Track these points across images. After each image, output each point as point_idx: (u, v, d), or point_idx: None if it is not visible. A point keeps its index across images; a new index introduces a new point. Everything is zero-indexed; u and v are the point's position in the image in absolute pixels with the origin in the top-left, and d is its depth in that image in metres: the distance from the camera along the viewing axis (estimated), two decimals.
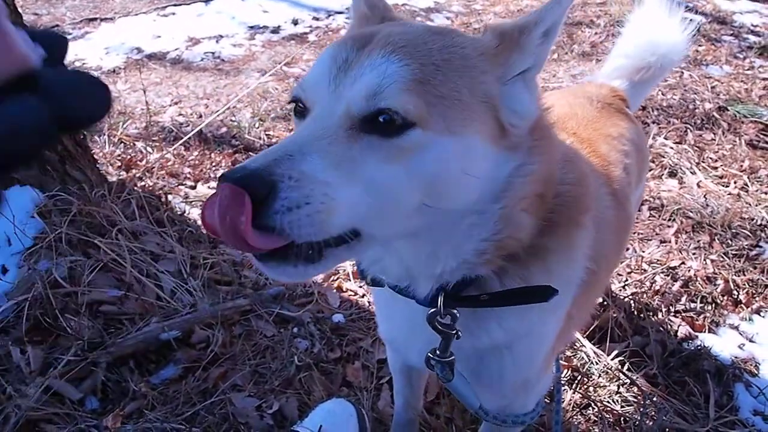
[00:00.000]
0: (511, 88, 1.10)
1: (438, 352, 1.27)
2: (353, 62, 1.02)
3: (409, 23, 1.25)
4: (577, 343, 2.61)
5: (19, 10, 2.82)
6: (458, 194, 1.06)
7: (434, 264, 1.17)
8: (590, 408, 2.36)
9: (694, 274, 3.10)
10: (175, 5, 7.48)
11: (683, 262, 3.19)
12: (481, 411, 1.47)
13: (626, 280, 3.05)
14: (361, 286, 2.92)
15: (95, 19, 7.05)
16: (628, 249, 3.29)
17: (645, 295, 2.95)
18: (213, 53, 6.22)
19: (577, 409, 2.35)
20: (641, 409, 2.33)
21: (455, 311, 1.21)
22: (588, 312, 1.85)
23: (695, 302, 2.94)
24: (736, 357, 2.64)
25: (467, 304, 1.21)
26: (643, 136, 2.35)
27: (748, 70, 5.82)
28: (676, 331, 2.73)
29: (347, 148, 0.96)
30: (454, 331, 1.23)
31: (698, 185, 3.91)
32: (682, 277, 3.08)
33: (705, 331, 2.78)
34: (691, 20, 2.43)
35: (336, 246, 0.97)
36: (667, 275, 3.10)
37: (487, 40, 1.11)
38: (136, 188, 3.29)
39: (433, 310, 1.20)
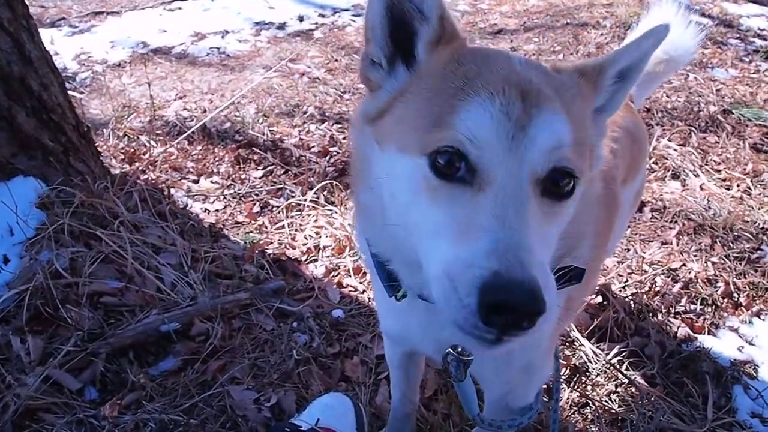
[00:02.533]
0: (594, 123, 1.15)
1: (459, 349, 1.23)
2: (526, 120, 0.96)
3: (512, 54, 1.16)
4: (576, 342, 2.61)
5: (26, 2, 2.82)
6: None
7: None
8: (588, 407, 2.36)
9: (695, 276, 3.09)
10: (181, 0, 7.49)
11: (684, 264, 3.19)
12: (478, 418, 1.47)
13: (627, 280, 3.05)
14: (361, 282, 2.92)
15: (101, 12, 7.06)
16: (629, 250, 3.29)
17: (645, 296, 2.94)
18: (218, 48, 6.22)
19: (575, 408, 2.36)
20: (639, 409, 2.33)
21: None
22: (586, 293, 1.86)
23: (695, 304, 2.94)
24: (735, 359, 2.63)
25: None
26: (643, 129, 2.35)
27: (753, 73, 5.81)
28: (676, 333, 2.73)
29: (541, 215, 0.97)
30: None
31: (701, 188, 3.90)
32: (683, 279, 3.07)
33: (704, 333, 2.77)
34: (702, 24, 2.44)
35: None
36: (668, 276, 3.10)
37: (573, 78, 1.11)
38: (138, 181, 3.30)
39: None
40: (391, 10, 1.09)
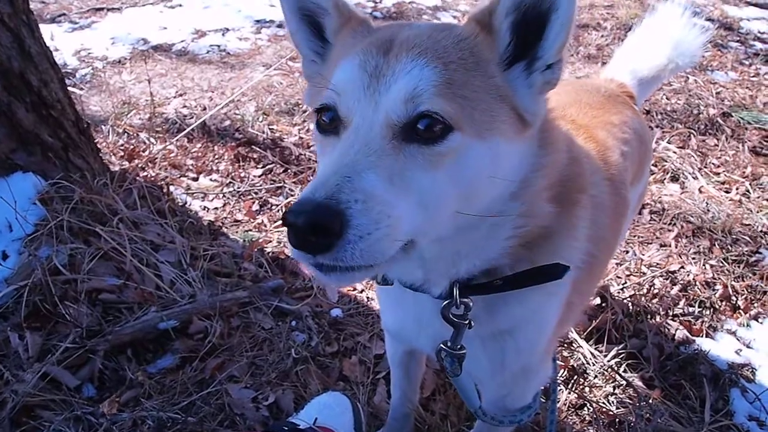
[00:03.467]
0: (512, 81, 1.09)
1: (449, 344, 1.28)
2: (383, 69, 1.02)
3: (413, 23, 1.24)
4: (574, 344, 2.62)
5: None
6: (484, 198, 1.06)
7: (456, 265, 1.18)
8: (585, 408, 2.37)
9: (693, 279, 3.10)
10: None
11: (683, 267, 3.19)
12: (480, 411, 1.47)
13: (625, 282, 3.05)
14: (359, 282, 2.92)
15: (102, 8, 7.05)
16: (627, 252, 3.30)
17: (643, 298, 2.95)
18: (219, 46, 6.21)
19: (573, 409, 2.36)
20: (636, 411, 2.33)
21: (469, 301, 1.22)
22: (589, 297, 1.86)
23: (693, 306, 2.95)
24: (732, 362, 2.64)
25: (482, 291, 1.22)
26: (647, 130, 2.36)
27: (753, 76, 5.82)
28: (674, 335, 2.74)
29: (394, 161, 0.96)
30: (466, 321, 1.24)
31: (700, 190, 3.90)
32: (681, 282, 3.08)
33: (702, 336, 2.78)
34: (706, 27, 2.44)
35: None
36: (666, 279, 3.10)
37: (472, 29, 1.09)
38: (138, 178, 3.30)
39: (447, 301, 1.21)
40: (301, 14, 1.24)
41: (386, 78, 1.00)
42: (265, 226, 3.31)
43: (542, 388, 1.71)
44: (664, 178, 4.02)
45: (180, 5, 7.28)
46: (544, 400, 2.20)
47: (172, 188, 3.42)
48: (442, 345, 1.29)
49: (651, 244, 3.40)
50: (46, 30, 3.14)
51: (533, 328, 1.39)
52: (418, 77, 0.98)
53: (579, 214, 1.30)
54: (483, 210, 1.07)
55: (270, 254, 3.03)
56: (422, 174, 0.97)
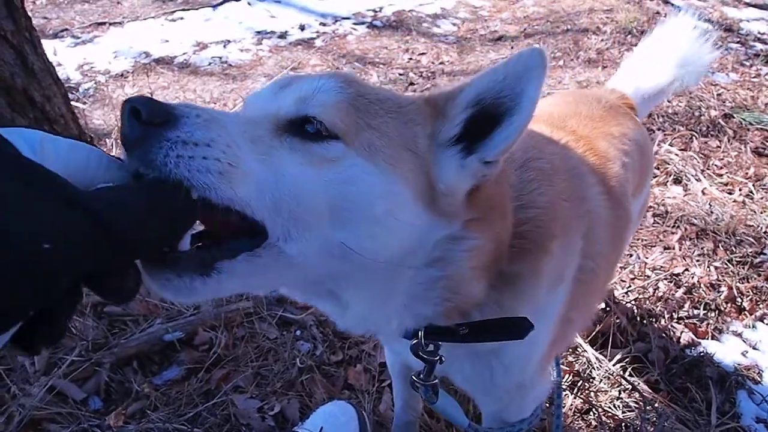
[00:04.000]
0: (442, 152, 1.04)
1: (422, 376, 1.25)
2: (294, 81, 1.03)
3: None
4: (578, 348, 2.61)
5: (29, 13, 2.85)
6: (376, 237, 0.95)
7: (388, 320, 1.13)
8: (591, 413, 2.36)
9: (698, 281, 3.09)
10: (183, 10, 7.53)
11: (687, 269, 3.19)
12: (471, 429, 1.47)
13: (629, 286, 3.05)
14: None
15: (104, 23, 7.10)
16: (631, 255, 3.29)
17: (648, 301, 2.94)
18: (220, 58, 6.25)
19: (578, 414, 2.35)
20: (642, 415, 2.32)
21: (438, 342, 1.19)
22: (591, 312, 1.84)
23: (698, 309, 2.94)
24: (738, 364, 2.63)
25: (447, 338, 1.16)
26: (649, 141, 2.35)
27: (754, 77, 5.82)
28: (679, 338, 2.73)
29: (269, 136, 0.91)
30: (437, 358, 1.20)
31: (703, 192, 3.90)
32: (686, 284, 3.07)
33: (708, 338, 2.77)
34: (714, 38, 2.43)
35: (231, 255, 0.83)
36: (671, 282, 3.10)
37: (419, 102, 1.07)
38: None
39: (414, 341, 1.17)
40: None
41: (293, 86, 1.00)
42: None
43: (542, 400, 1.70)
44: (667, 181, 4.02)
45: (181, 18, 7.34)
46: (548, 406, 2.20)
47: None
48: (413, 377, 1.27)
49: (655, 247, 3.40)
50: (48, 45, 3.17)
51: (520, 349, 1.36)
52: (318, 85, 0.97)
53: (547, 260, 1.24)
54: (385, 257, 0.97)
55: None
56: (293, 163, 0.89)
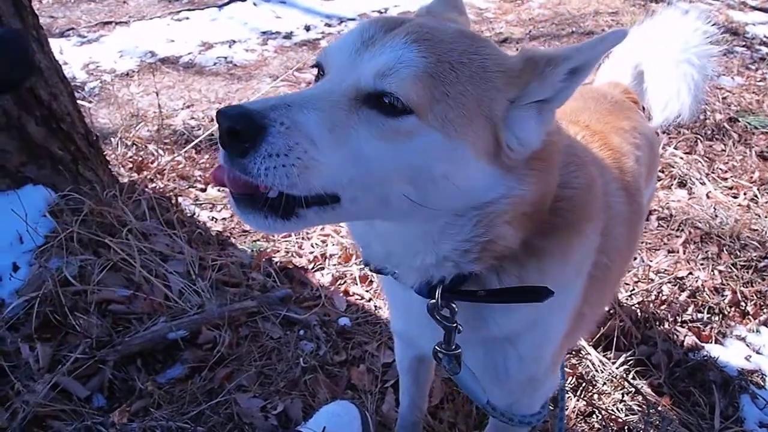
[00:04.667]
0: (521, 112, 1.09)
1: (444, 345, 1.29)
2: (377, 41, 1.05)
3: (447, 22, 1.24)
4: (582, 351, 2.61)
5: (36, 12, 2.86)
6: (437, 196, 1.06)
7: (413, 255, 1.18)
8: (594, 416, 2.36)
9: (702, 285, 3.09)
10: (188, 10, 7.54)
11: (691, 273, 3.18)
12: (489, 406, 1.47)
13: (633, 289, 3.05)
14: (367, 291, 2.93)
15: (110, 22, 7.12)
16: (635, 258, 3.29)
17: (652, 305, 2.94)
18: (225, 58, 6.26)
19: (581, 417, 2.35)
20: (645, 418, 2.32)
21: (454, 305, 1.23)
22: (603, 308, 1.84)
23: (702, 313, 2.94)
24: (742, 368, 2.63)
25: (463, 298, 1.22)
26: (654, 134, 2.36)
27: (760, 81, 5.80)
28: (683, 341, 2.73)
29: (346, 115, 0.99)
30: (454, 324, 1.24)
31: (707, 196, 3.90)
32: (690, 288, 3.07)
33: (711, 342, 2.77)
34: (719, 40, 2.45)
35: (309, 207, 0.99)
36: (675, 285, 3.10)
37: (513, 62, 1.10)
38: (147, 190, 3.33)
39: (432, 301, 1.22)
40: None
41: (374, 49, 1.04)
42: (273, 236, 3.32)
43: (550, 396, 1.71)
44: (672, 184, 4.02)
45: (187, 18, 7.35)
46: (552, 408, 2.20)
47: (180, 199, 3.44)
48: (436, 347, 1.31)
49: (659, 250, 3.40)
50: (55, 44, 3.18)
51: (535, 339, 1.39)
52: (398, 58, 1.00)
53: (579, 241, 1.28)
54: (441, 210, 1.09)
55: (278, 264, 3.04)
56: (368, 138, 0.99)
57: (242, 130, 0.90)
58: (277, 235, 3.31)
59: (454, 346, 1.29)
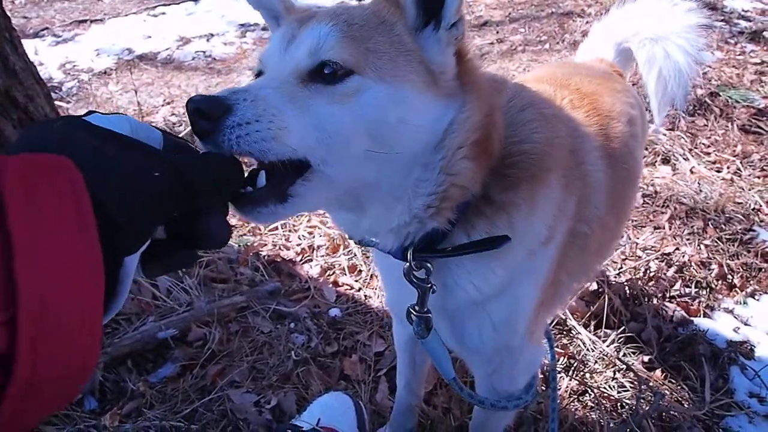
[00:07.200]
0: (422, 40, 1.19)
1: (417, 306, 1.33)
2: (297, 35, 1.16)
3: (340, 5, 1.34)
4: (572, 331, 2.63)
5: (8, 13, 2.81)
6: (399, 141, 1.13)
7: (390, 217, 1.23)
8: (587, 394, 2.38)
9: (689, 260, 3.11)
10: (164, 5, 7.46)
11: (677, 248, 3.21)
12: (454, 382, 1.48)
13: (621, 266, 3.06)
14: (356, 280, 2.93)
15: (85, 20, 7.03)
16: (622, 236, 3.30)
17: (640, 282, 2.96)
18: (204, 52, 6.20)
19: (574, 396, 2.37)
20: (638, 394, 2.34)
21: (429, 264, 1.28)
22: (585, 278, 1.85)
23: (690, 287, 2.96)
24: (731, 340, 2.65)
25: (434, 254, 1.27)
26: (642, 103, 2.38)
27: (739, 55, 5.83)
28: (672, 317, 2.75)
29: (298, 90, 1.06)
30: (429, 285, 1.29)
31: (691, 171, 3.92)
32: (677, 263, 3.09)
33: (700, 316, 2.79)
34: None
35: (293, 184, 1.04)
36: (662, 261, 3.12)
37: (379, 2, 1.21)
38: None
39: (407, 265, 1.27)
40: (267, 14, 1.47)
41: (297, 40, 1.14)
42: (260, 229, 3.31)
43: (540, 377, 1.71)
44: (655, 161, 4.04)
45: (163, 13, 7.27)
46: (544, 388, 2.21)
47: None
48: (409, 307, 1.35)
49: (645, 227, 3.41)
50: (29, 45, 3.13)
51: (506, 303, 1.41)
52: (318, 34, 1.11)
53: (543, 192, 1.32)
54: (405, 155, 1.15)
55: (265, 258, 3.03)
56: (323, 104, 1.06)
57: (208, 110, 0.95)
58: (264, 228, 3.30)
59: (426, 309, 1.33)
